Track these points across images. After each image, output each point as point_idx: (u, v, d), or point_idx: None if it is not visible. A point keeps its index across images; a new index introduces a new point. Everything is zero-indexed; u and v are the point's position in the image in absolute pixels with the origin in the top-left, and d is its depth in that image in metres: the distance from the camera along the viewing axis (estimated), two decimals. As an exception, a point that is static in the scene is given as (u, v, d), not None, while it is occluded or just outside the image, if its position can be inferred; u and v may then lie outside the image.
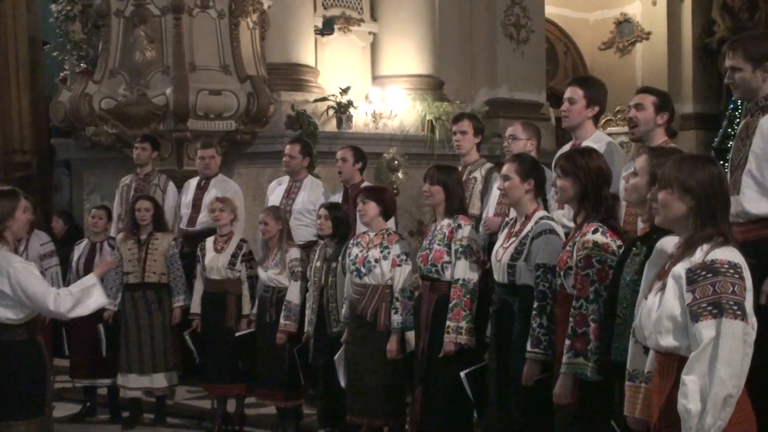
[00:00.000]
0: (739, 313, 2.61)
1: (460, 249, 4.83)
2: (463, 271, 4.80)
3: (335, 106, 8.78)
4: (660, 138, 4.61)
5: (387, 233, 5.35)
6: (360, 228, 5.70)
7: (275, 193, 7.02)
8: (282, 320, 5.97)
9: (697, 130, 12.71)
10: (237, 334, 6.21)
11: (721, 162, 4.99)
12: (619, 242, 3.72)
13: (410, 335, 5.17)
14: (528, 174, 4.37)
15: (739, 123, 4.34)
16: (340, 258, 5.68)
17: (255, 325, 6.22)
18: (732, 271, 2.66)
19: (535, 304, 4.12)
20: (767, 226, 3.92)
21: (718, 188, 2.80)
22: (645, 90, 4.78)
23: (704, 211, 2.78)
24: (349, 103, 8.80)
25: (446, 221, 4.97)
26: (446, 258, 4.89)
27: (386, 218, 5.43)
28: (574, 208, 3.94)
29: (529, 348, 4.10)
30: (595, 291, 3.65)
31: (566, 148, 5.08)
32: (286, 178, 7.07)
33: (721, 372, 2.58)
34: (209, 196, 7.08)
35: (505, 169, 4.45)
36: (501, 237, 4.52)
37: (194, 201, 7.29)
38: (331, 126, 8.82)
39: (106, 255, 6.13)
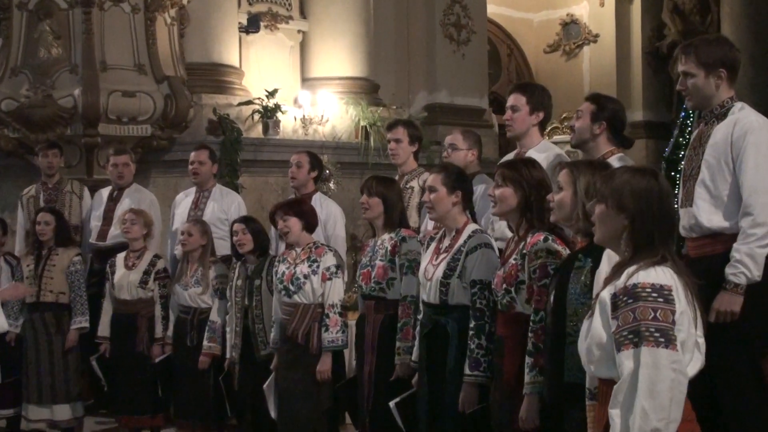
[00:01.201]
0: (661, 340, 2.60)
1: (407, 264, 4.85)
2: (411, 287, 4.81)
3: (261, 110, 8.75)
4: (604, 148, 4.64)
5: (314, 246, 5.38)
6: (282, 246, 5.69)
7: (182, 206, 6.98)
8: (205, 342, 5.92)
9: (647, 139, 12.99)
10: (157, 359, 6.13)
11: (673, 173, 5.10)
12: (568, 250, 3.77)
13: (352, 361, 5.17)
14: (455, 185, 4.41)
15: (690, 132, 4.45)
16: (264, 274, 5.66)
17: (170, 349, 6.15)
18: (655, 294, 2.65)
19: (472, 324, 4.14)
20: (721, 240, 4.03)
21: (657, 205, 2.78)
22: (586, 97, 4.86)
23: (639, 231, 2.78)
24: (277, 107, 8.77)
25: (387, 235, 4.98)
26: (391, 274, 4.90)
27: (310, 231, 5.45)
28: (514, 219, 3.99)
29: (467, 371, 4.12)
30: None
31: (510, 156, 5.14)
32: (192, 190, 7.03)
33: (644, 404, 2.58)
34: (122, 207, 6.98)
35: (430, 180, 4.49)
36: (428, 253, 4.54)
37: (105, 213, 7.17)
38: (257, 132, 8.78)
39: (19, 286, 5.96)
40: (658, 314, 2.63)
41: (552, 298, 3.50)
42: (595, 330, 2.78)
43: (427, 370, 4.44)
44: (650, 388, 2.58)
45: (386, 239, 4.97)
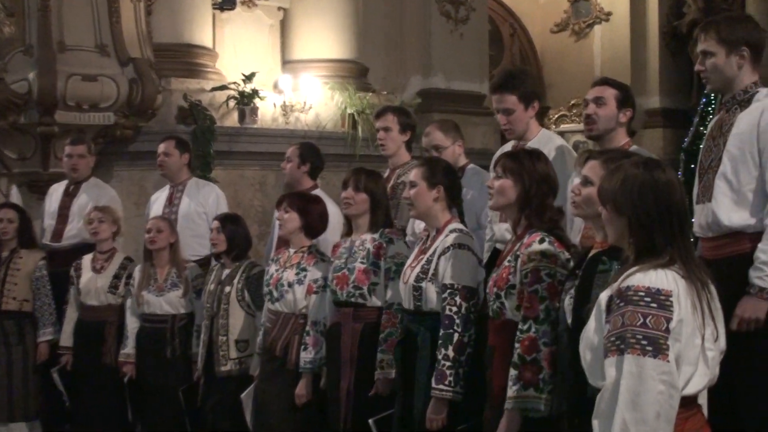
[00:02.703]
0: (648, 348, 2.62)
1: (394, 268, 4.85)
2: (398, 293, 4.80)
3: (237, 96, 8.74)
4: (622, 139, 4.72)
5: (307, 252, 5.36)
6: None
7: (156, 205, 7.01)
8: (195, 348, 5.94)
9: (665, 128, 13.00)
10: (125, 379, 6.12)
11: (693, 165, 5.12)
12: (567, 255, 3.79)
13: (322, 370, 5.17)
14: (436, 180, 4.44)
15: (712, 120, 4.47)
16: (236, 281, 5.67)
17: (135, 366, 6.15)
18: (648, 299, 2.67)
19: (441, 332, 4.17)
20: (742, 240, 4.04)
21: (655, 202, 2.79)
22: (605, 81, 4.89)
23: (638, 236, 2.80)
24: (254, 93, 8.76)
25: (369, 235, 4.97)
26: (373, 279, 4.89)
27: (311, 236, 5.43)
28: (512, 216, 4.00)
29: (433, 384, 4.15)
30: (545, 310, 3.72)
31: (507, 147, 5.16)
32: (167, 186, 7.03)
33: (625, 416, 2.60)
34: (79, 203, 6.97)
35: (412, 174, 4.55)
36: (412, 255, 4.58)
37: (60, 210, 7.14)
38: (232, 120, 8.77)
39: None
40: (648, 320, 2.65)
41: (567, 303, 3.50)
42: (588, 333, 2.83)
43: (402, 383, 4.48)
44: (632, 400, 2.60)
45: (368, 240, 4.96)
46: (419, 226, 5.44)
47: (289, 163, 6.47)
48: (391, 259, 4.88)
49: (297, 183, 6.47)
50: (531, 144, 4.87)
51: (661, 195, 2.80)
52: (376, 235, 4.95)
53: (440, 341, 4.16)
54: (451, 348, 4.12)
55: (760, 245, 3.95)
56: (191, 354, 6.00)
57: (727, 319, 3.83)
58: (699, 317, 2.71)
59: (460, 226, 4.49)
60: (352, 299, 4.94)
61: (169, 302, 6.05)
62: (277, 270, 5.37)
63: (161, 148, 6.94)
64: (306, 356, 5.17)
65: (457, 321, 4.14)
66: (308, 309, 5.24)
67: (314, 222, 5.41)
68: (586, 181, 3.55)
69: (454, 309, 4.17)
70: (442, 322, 4.18)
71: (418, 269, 4.38)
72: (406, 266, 4.54)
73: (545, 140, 4.99)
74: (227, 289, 5.71)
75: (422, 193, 4.45)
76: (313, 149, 6.64)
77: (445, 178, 4.49)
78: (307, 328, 5.21)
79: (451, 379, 4.10)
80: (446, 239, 4.34)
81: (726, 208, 4.08)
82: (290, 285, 5.26)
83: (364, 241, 4.97)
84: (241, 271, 5.73)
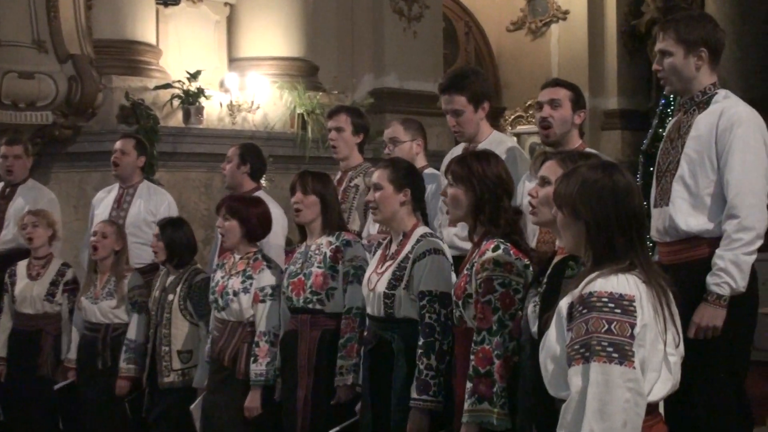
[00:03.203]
0: (615, 355, 2.62)
1: (352, 271, 4.84)
2: (356, 297, 4.79)
3: (181, 95, 8.70)
4: (576, 141, 4.78)
5: (253, 258, 5.33)
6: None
7: (102, 205, 6.91)
8: (123, 364, 5.89)
9: (623, 130, 13.14)
10: (56, 387, 6.07)
11: (652, 168, 5.18)
12: (525, 261, 3.79)
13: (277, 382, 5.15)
14: (403, 182, 4.41)
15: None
16: (179, 288, 5.66)
17: (74, 374, 6.11)
18: (612, 305, 2.68)
19: (421, 341, 4.14)
20: (700, 245, 4.09)
21: (614, 207, 2.80)
22: (557, 83, 4.94)
23: (596, 242, 2.81)
24: (200, 92, 8.73)
25: (325, 239, 4.96)
26: (332, 283, 4.89)
27: (254, 240, 5.41)
28: (468, 223, 4.01)
29: (414, 395, 4.11)
30: (498, 321, 3.71)
31: (458, 150, 5.18)
32: (114, 186, 6.96)
33: (592, 427, 2.61)
34: (14, 207, 6.91)
35: (375, 176, 4.48)
36: (373, 261, 4.55)
37: (-7, 214, 7.09)
38: (177, 120, 8.73)
39: None
40: (613, 327, 2.65)
41: (531, 311, 3.50)
42: (549, 342, 2.82)
43: (371, 393, 4.42)
44: (600, 409, 2.60)
45: (324, 243, 4.96)
46: (373, 230, 5.46)
47: (228, 163, 6.45)
48: (349, 263, 4.87)
49: (238, 185, 6.46)
50: (482, 146, 4.88)
51: (620, 199, 2.80)
52: (333, 239, 4.94)
53: (421, 350, 4.12)
54: (434, 357, 4.08)
55: (717, 251, 3.99)
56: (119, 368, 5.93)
57: (684, 326, 3.90)
58: (661, 322, 2.73)
59: (428, 230, 4.47)
60: (309, 305, 4.92)
61: (101, 311, 6.02)
62: (222, 277, 5.34)
63: (118, 144, 6.85)
64: (256, 368, 5.13)
65: (438, 329, 4.11)
66: (255, 318, 5.20)
67: (255, 227, 5.36)
68: (544, 182, 3.53)
69: (434, 316, 4.12)
70: (422, 331, 4.14)
71: (388, 276, 4.31)
72: (369, 272, 4.49)
73: (496, 142, 5.00)
74: (170, 297, 5.67)
75: (388, 197, 4.40)
76: (254, 150, 6.61)
77: (412, 180, 4.46)
78: (256, 338, 5.16)
79: (435, 389, 4.07)
80: (419, 245, 4.29)
81: (683, 212, 4.12)
82: (236, 293, 5.23)
83: (320, 245, 4.96)
84: (184, 279, 5.70)
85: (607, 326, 2.65)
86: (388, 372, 4.31)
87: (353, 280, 4.82)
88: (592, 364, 2.63)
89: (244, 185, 6.45)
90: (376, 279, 4.38)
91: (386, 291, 4.30)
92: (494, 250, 3.78)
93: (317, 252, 4.96)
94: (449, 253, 4.37)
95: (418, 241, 4.33)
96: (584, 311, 2.69)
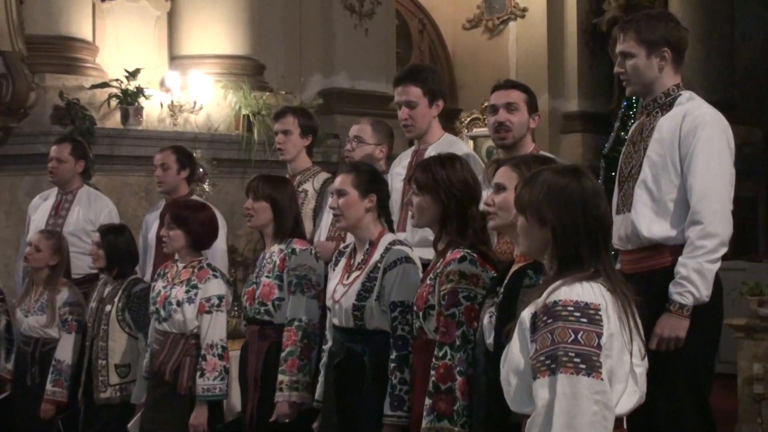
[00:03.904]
0: (582, 366, 2.64)
1: (295, 281, 4.86)
2: (299, 308, 4.80)
3: (120, 94, 8.66)
4: (530, 145, 4.83)
5: (198, 267, 5.31)
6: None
7: (39, 212, 6.86)
8: (49, 386, 5.86)
9: (584, 133, 13.24)
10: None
11: (613, 173, 5.24)
12: (492, 273, 3.81)
13: (234, 399, 5.14)
14: (369, 188, 4.42)
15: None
16: (117, 299, 5.64)
17: (11, 386, 6.09)
18: (578, 314, 2.70)
19: (394, 354, 4.14)
20: (663, 253, 4.13)
21: (582, 213, 2.83)
22: (512, 85, 4.97)
23: (563, 247, 2.83)
24: (139, 91, 8.69)
25: (276, 247, 4.97)
26: (278, 293, 4.89)
27: (199, 249, 5.39)
28: (434, 232, 4.02)
29: (388, 411, 4.11)
30: (462, 336, 3.72)
31: (407, 155, 5.21)
32: (52, 191, 6.91)
33: None
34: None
35: (338, 182, 4.48)
36: (337, 271, 4.55)
37: None
38: (114, 121, 8.68)
39: None
40: (579, 336, 2.67)
41: (487, 322, 3.51)
42: (512, 355, 2.83)
43: (339, 408, 4.38)
44: (568, 423, 2.62)
45: (275, 251, 4.97)
46: (324, 236, 5.46)
47: (167, 170, 6.44)
48: (293, 272, 4.88)
49: (175, 191, 6.46)
50: (432, 148, 4.91)
51: (588, 205, 2.84)
52: (284, 246, 4.96)
53: (393, 364, 4.11)
54: (407, 371, 4.08)
55: (680, 259, 4.03)
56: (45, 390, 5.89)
57: (646, 336, 3.95)
58: (626, 332, 2.76)
59: (396, 237, 4.47)
60: (258, 316, 4.94)
61: (30, 325, 6.01)
62: (164, 287, 5.31)
63: (54, 152, 6.82)
64: (203, 383, 5.10)
65: (411, 341, 4.10)
66: (201, 330, 5.18)
67: (200, 235, 5.34)
68: (498, 188, 3.57)
69: (407, 328, 4.11)
70: (395, 344, 4.13)
71: (357, 287, 4.31)
72: (334, 283, 4.48)
73: (447, 145, 5.02)
74: (107, 308, 5.65)
75: (353, 203, 4.39)
76: (189, 154, 6.64)
77: (377, 185, 4.46)
78: (203, 351, 5.14)
79: (409, 404, 4.05)
80: (389, 254, 4.29)
81: (646, 218, 4.15)
82: (179, 303, 5.20)
83: (272, 254, 4.98)
84: (123, 289, 5.68)
85: (573, 336, 2.67)
86: (356, 387, 4.29)
87: (296, 290, 4.83)
88: (558, 375, 2.64)
89: (180, 191, 6.47)
90: (343, 290, 4.37)
91: (355, 303, 4.29)
92: (460, 261, 3.80)
93: (269, 260, 4.97)
94: (419, 261, 4.36)
95: (386, 249, 4.33)
96: (549, 321, 2.71)
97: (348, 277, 4.41)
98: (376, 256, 4.34)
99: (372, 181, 4.46)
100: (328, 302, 4.51)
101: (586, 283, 2.76)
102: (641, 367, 2.82)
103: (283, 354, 4.80)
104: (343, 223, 4.47)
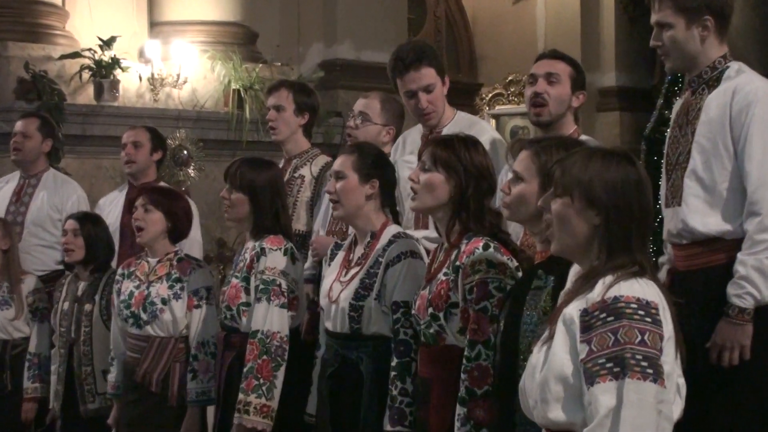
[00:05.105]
0: (650, 371, 2.62)
1: (261, 286, 4.78)
2: (264, 319, 4.75)
3: (93, 66, 8.66)
4: (570, 126, 4.76)
5: (176, 259, 5.27)
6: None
7: (-1, 197, 6.85)
8: (28, 383, 5.90)
9: (622, 111, 13.24)
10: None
11: (656, 157, 5.17)
12: (515, 262, 3.77)
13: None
14: (371, 172, 4.38)
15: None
16: (98, 296, 5.61)
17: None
18: (642, 312, 2.67)
19: (394, 362, 4.12)
20: (718, 249, 4.07)
21: (637, 200, 2.83)
22: (555, 55, 4.91)
23: (614, 232, 2.81)
24: (115, 63, 8.70)
25: (251, 244, 4.92)
26: (243, 298, 4.85)
27: (174, 240, 5.36)
28: (442, 219, 3.96)
29: (388, 426, 4.09)
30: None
31: (414, 140, 5.17)
32: (14, 175, 6.89)
33: None
34: None
35: (338, 163, 4.44)
36: (333, 266, 4.52)
37: None
38: (87, 96, 8.70)
39: None
40: (646, 337, 2.65)
41: (501, 327, 3.49)
42: (554, 357, 2.78)
43: (332, 424, 4.37)
44: None
45: (249, 249, 4.92)
46: (323, 231, 5.43)
47: (138, 149, 6.44)
48: (260, 275, 4.80)
49: (143, 174, 6.46)
50: (447, 130, 4.87)
51: (642, 191, 2.83)
52: (257, 244, 4.89)
53: (394, 373, 4.09)
54: (409, 381, 4.06)
55: (739, 256, 3.96)
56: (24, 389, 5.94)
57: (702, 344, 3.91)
58: (673, 336, 2.75)
59: (401, 229, 4.44)
60: (226, 321, 4.91)
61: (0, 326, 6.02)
62: (137, 287, 5.25)
63: (19, 126, 6.80)
64: (196, 386, 5.08)
65: (414, 347, 4.08)
66: (191, 328, 5.14)
67: (181, 224, 5.33)
68: (516, 178, 3.53)
69: (410, 332, 4.09)
70: (396, 349, 4.11)
71: (355, 285, 4.29)
72: (329, 281, 4.46)
73: (465, 126, 4.91)
74: (87, 307, 5.62)
75: (352, 188, 4.36)
76: (162, 137, 6.69)
77: (381, 170, 4.42)
78: (194, 350, 5.11)
79: (411, 418, 4.04)
80: (392, 247, 4.26)
81: (698, 212, 4.08)
82: (165, 302, 5.14)
83: (246, 251, 4.94)
84: (104, 285, 5.64)
85: (640, 337, 2.65)
86: (353, 399, 4.28)
87: (261, 297, 4.74)
88: (626, 380, 2.61)
89: (149, 175, 6.51)
90: (340, 289, 4.34)
91: (353, 302, 4.26)
92: (485, 248, 3.75)
93: (241, 259, 4.94)
94: (426, 257, 4.30)
95: (390, 242, 4.29)
96: (610, 319, 2.68)
97: (346, 274, 4.38)
98: (377, 250, 4.31)
99: (376, 164, 4.42)
100: (322, 302, 4.49)
101: (642, 280, 2.74)
102: (682, 378, 2.80)
103: (244, 369, 4.72)
104: (340, 210, 4.43)
